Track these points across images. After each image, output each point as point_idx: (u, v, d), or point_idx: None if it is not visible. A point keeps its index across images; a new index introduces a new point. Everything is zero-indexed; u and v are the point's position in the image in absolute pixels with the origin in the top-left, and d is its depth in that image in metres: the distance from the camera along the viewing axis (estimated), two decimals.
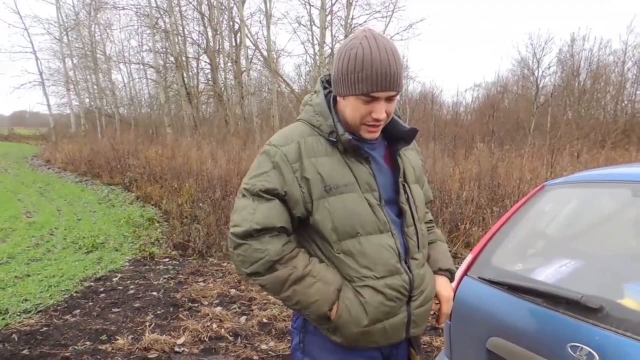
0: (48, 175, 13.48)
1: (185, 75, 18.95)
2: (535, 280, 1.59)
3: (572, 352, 1.28)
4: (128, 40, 36.67)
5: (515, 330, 1.50)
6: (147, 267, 5.09)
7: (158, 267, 5.09)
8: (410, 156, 1.41)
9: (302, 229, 1.29)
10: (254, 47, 17.63)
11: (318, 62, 16.69)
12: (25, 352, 3.07)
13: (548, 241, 1.93)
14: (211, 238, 5.66)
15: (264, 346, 3.21)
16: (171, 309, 3.85)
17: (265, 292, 3.23)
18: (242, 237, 1.20)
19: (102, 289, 4.33)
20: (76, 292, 4.24)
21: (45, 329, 3.44)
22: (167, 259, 5.38)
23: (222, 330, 3.42)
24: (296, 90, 19.04)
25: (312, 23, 17.77)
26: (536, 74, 21.26)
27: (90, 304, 3.97)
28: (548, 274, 1.59)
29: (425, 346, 3.18)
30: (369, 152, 1.29)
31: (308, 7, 19.55)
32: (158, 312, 3.80)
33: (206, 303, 3.98)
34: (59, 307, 3.87)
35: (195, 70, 21.31)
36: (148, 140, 14.60)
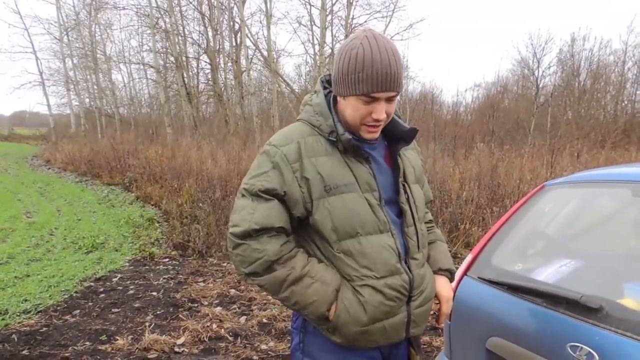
0: (48, 175, 13.48)
1: (185, 75, 18.96)
2: (535, 280, 1.59)
3: (571, 352, 1.28)
4: (128, 40, 36.77)
5: (515, 330, 1.50)
6: (147, 267, 5.09)
7: (158, 267, 5.09)
8: (411, 156, 1.41)
9: (301, 228, 1.29)
10: (254, 47, 17.65)
11: (318, 62, 16.69)
12: (24, 352, 3.07)
13: (548, 241, 1.93)
14: (211, 238, 5.66)
15: (263, 346, 3.21)
16: (171, 309, 3.85)
17: (264, 292, 3.23)
18: (241, 237, 1.20)
19: (101, 289, 4.33)
20: (76, 292, 4.24)
21: (45, 329, 3.44)
22: (167, 259, 5.38)
23: (222, 330, 3.42)
24: (296, 90, 19.05)
25: (313, 23, 17.79)
26: (536, 74, 21.29)
27: (90, 304, 3.97)
28: (548, 274, 1.59)
29: (425, 346, 3.18)
30: (369, 152, 1.28)
31: (308, 7, 19.57)
32: (158, 312, 3.80)
33: (206, 303, 3.98)
34: (58, 308, 3.87)
35: (196, 70, 21.35)
36: (148, 140, 14.60)
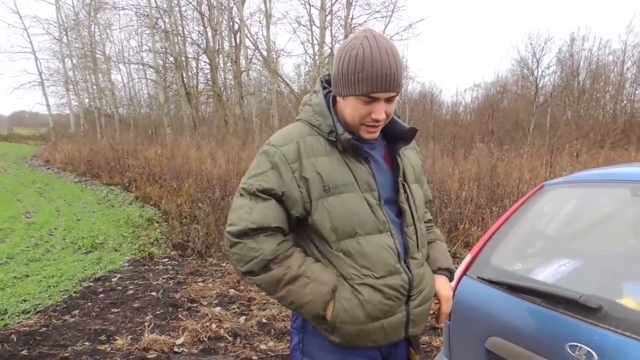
0: (47, 175, 13.47)
1: (184, 75, 18.95)
2: (534, 280, 1.59)
3: (571, 352, 1.28)
4: (128, 41, 36.50)
5: (515, 330, 1.50)
6: (146, 267, 5.09)
7: (157, 267, 5.09)
8: (410, 156, 1.41)
9: (300, 228, 1.29)
10: (253, 47, 17.65)
11: (318, 62, 16.68)
12: (24, 352, 3.06)
13: (547, 241, 1.93)
14: (210, 238, 5.66)
15: (263, 346, 3.21)
16: (170, 309, 3.85)
17: (263, 292, 3.22)
18: (238, 236, 1.21)
19: (101, 289, 4.32)
20: (75, 292, 4.24)
21: (44, 329, 3.44)
22: (166, 259, 5.38)
23: (222, 330, 3.41)
24: (296, 91, 19.04)
25: (312, 23, 17.78)
26: (535, 74, 21.31)
27: (90, 304, 3.96)
28: (547, 273, 1.59)
29: (424, 346, 3.18)
30: (369, 151, 1.29)
31: (308, 7, 19.56)
32: (157, 312, 3.80)
33: (205, 303, 3.98)
34: (58, 308, 3.86)
35: (195, 71, 21.32)
36: (147, 140, 14.59)
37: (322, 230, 1.23)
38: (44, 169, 15.06)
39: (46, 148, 19.26)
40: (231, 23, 18.68)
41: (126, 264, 5.18)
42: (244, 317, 3.71)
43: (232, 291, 4.29)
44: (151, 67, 20.48)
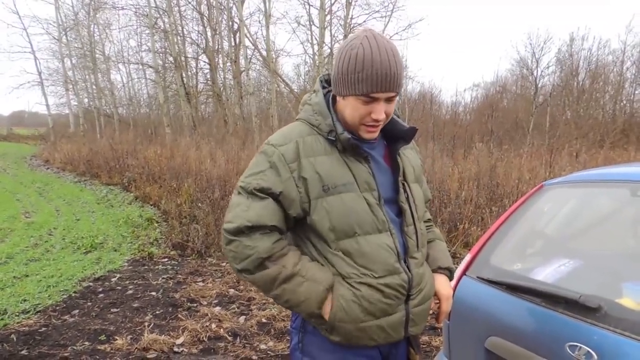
0: (47, 175, 13.46)
1: (184, 75, 18.94)
2: (534, 280, 1.59)
3: (570, 352, 1.28)
4: (127, 40, 36.61)
5: (514, 329, 1.50)
6: (146, 267, 5.09)
7: (157, 267, 5.08)
8: (410, 155, 1.42)
9: (298, 227, 1.30)
10: (253, 47, 17.64)
11: (317, 62, 16.68)
12: (23, 352, 3.06)
13: (547, 241, 1.94)
14: (210, 238, 5.66)
15: (263, 346, 3.21)
16: (170, 309, 3.85)
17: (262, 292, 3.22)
18: (234, 234, 1.21)
19: (100, 289, 4.32)
20: (75, 292, 4.23)
21: (43, 329, 3.44)
22: (165, 259, 5.38)
23: (221, 330, 3.41)
24: (295, 90, 19.02)
25: (312, 23, 17.79)
26: (535, 74, 21.31)
27: (89, 304, 3.96)
28: (547, 273, 1.59)
29: (424, 346, 3.18)
30: (368, 151, 1.29)
31: (307, 7, 19.54)
32: (157, 312, 3.80)
33: (205, 303, 3.98)
34: (57, 308, 3.86)
35: (194, 70, 21.32)
36: (147, 140, 14.57)
37: (321, 230, 1.23)
38: (44, 168, 15.05)
39: (45, 148, 19.24)
40: (230, 23, 18.68)
41: (126, 264, 5.18)
42: (244, 316, 3.71)
43: (231, 291, 4.29)
44: (151, 67, 20.47)
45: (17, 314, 3.69)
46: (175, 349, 3.15)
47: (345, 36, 15.84)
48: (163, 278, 4.64)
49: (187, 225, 6.20)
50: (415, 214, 1.34)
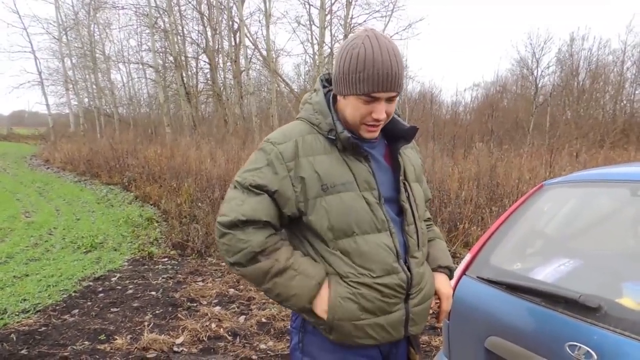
0: (47, 175, 13.46)
1: (184, 74, 18.94)
2: (534, 280, 1.59)
3: (570, 352, 1.28)
4: (127, 40, 36.81)
5: (514, 329, 1.50)
6: (146, 266, 5.09)
7: (157, 266, 5.09)
8: (410, 155, 1.42)
9: (294, 226, 1.30)
10: (253, 47, 17.65)
11: (317, 61, 16.68)
12: (23, 352, 3.06)
13: (547, 240, 1.93)
14: (210, 238, 5.66)
15: (262, 346, 3.21)
16: (170, 309, 3.85)
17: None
18: (228, 227, 1.21)
19: (100, 289, 4.32)
20: (75, 291, 4.23)
21: (43, 328, 3.44)
22: (165, 259, 5.38)
23: (221, 329, 3.41)
24: (295, 90, 19.04)
25: (312, 23, 17.79)
26: (535, 74, 21.32)
27: (89, 303, 3.96)
28: (547, 273, 1.59)
29: (424, 345, 3.18)
30: (369, 150, 1.29)
31: (307, 6, 19.51)
32: (157, 311, 3.80)
33: (205, 303, 3.98)
34: (57, 307, 3.86)
35: (195, 70, 21.33)
36: (147, 140, 14.58)
37: (319, 229, 1.23)
38: (44, 168, 15.05)
39: (46, 147, 19.25)
40: (231, 22, 18.68)
41: (126, 264, 5.18)
42: (244, 316, 3.71)
43: (231, 290, 4.30)
44: (151, 66, 20.48)
45: (17, 313, 3.69)
46: (175, 349, 3.15)
47: (346, 36, 15.86)
48: (163, 278, 4.64)
49: (187, 224, 6.21)
50: (416, 213, 1.34)
